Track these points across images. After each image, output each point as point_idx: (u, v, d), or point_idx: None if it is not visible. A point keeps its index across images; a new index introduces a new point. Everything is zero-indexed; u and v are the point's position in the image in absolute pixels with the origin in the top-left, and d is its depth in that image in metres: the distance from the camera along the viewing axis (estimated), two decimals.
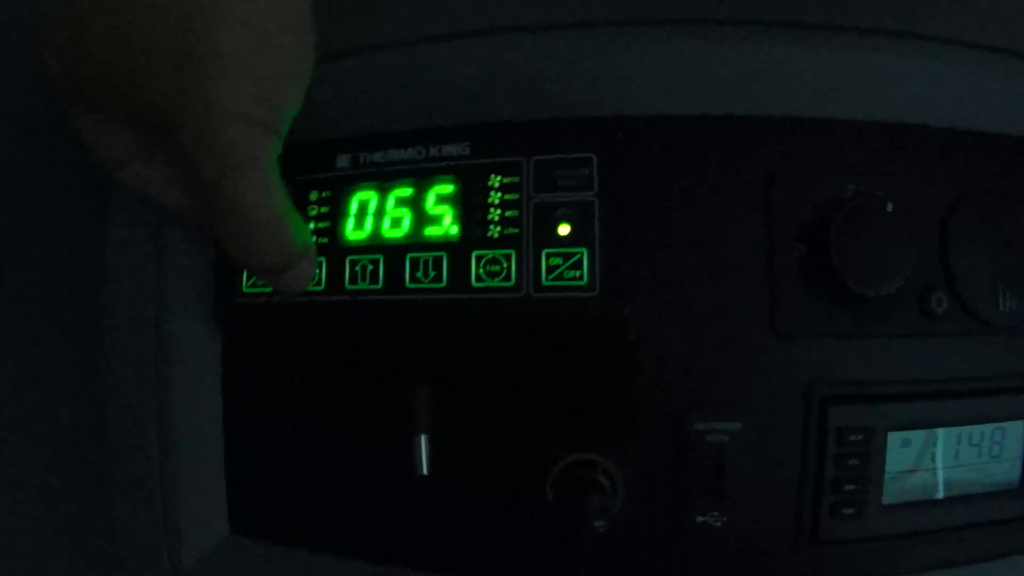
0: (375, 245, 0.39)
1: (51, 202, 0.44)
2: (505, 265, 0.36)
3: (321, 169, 0.41)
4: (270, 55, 0.26)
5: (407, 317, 0.38)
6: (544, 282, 0.36)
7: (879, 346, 0.38)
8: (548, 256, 0.36)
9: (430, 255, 0.38)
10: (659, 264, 0.38)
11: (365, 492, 0.42)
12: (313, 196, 0.41)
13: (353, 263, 0.39)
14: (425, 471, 0.40)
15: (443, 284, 0.37)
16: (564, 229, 0.36)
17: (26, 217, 0.42)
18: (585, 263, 0.36)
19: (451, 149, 0.39)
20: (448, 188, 0.38)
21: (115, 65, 0.25)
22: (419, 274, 0.38)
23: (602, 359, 0.37)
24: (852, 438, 0.37)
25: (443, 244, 0.38)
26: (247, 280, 0.41)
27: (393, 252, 0.38)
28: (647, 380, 0.38)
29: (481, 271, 0.37)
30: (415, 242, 0.38)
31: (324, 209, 0.40)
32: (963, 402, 0.38)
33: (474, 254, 0.37)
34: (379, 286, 0.38)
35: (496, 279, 0.36)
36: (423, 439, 0.40)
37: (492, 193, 0.37)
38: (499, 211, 0.37)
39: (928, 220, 0.39)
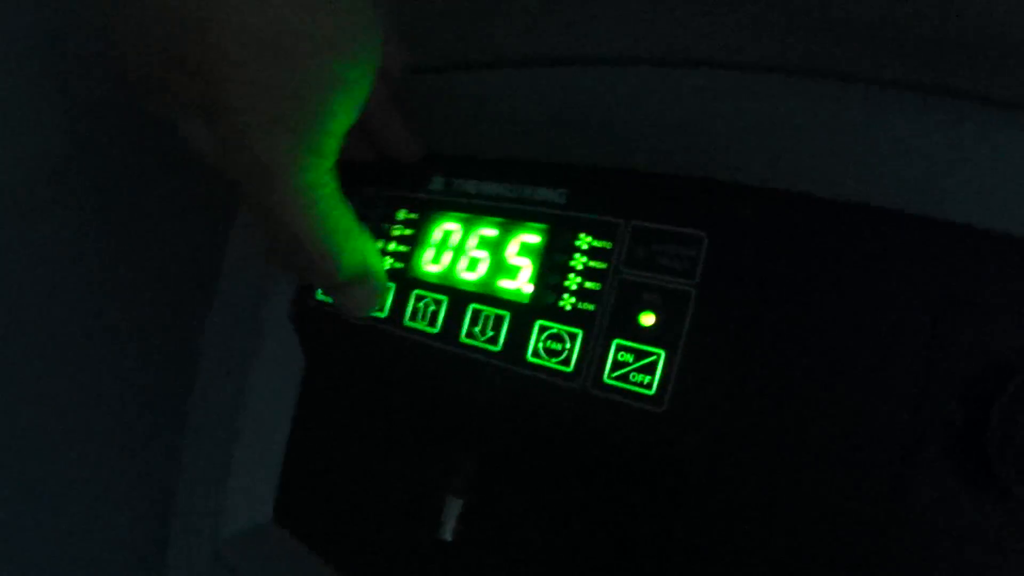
0: (445, 285, 0.35)
1: (171, 199, 0.47)
2: (568, 346, 0.31)
3: (414, 187, 0.38)
4: (286, 64, 0.23)
5: (454, 375, 0.34)
6: (605, 379, 0.29)
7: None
8: (618, 349, 0.30)
9: (493, 312, 0.33)
10: (756, 388, 0.29)
11: (388, 533, 0.39)
12: (400, 216, 0.38)
13: (418, 298, 0.36)
14: (448, 537, 0.36)
15: (498, 348, 0.32)
16: (648, 319, 0.29)
17: (149, 212, 0.45)
18: (660, 369, 0.29)
19: (546, 194, 0.33)
20: (534, 237, 0.33)
21: (146, 69, 0.25)
22: (476, 329, 0.33)
23: (658, 491, 0.30)
24: None
25: (510, 303, 0.33)
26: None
27: (459, 297, 0.34)
28: (713, 533, 0.30)
29: (540, 345, 0.31)
30: (485, 292, 0.34)
31: (408, 232, 0.37)
32: None
33: (537, 323, 0.32)
34: (435, 331, 0.34)
35: (554, 360, 0.31)
36: (455, 504, 0.36)
37: (577, 256, 0.32)
38: (579, 279, 0.31)
39: None
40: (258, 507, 0.45)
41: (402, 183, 0.38)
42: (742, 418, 0.29)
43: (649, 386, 0.29)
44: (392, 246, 0.38)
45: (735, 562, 0.30)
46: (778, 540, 0.30)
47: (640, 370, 0.29)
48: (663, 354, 0.29)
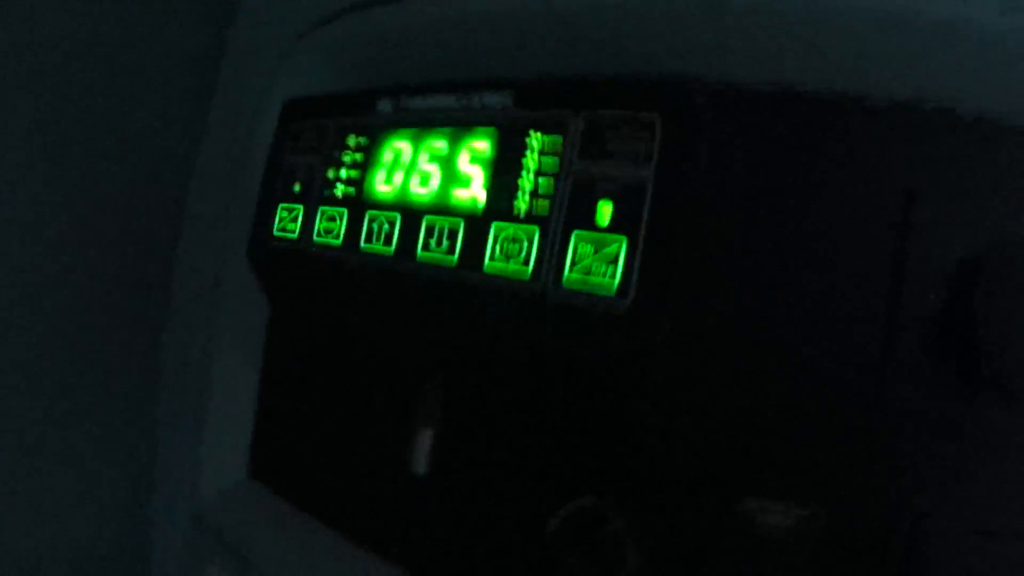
0: (398, 204, 0.34)
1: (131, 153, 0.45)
2: (525, 247, 0.29)
3: (361, 112, 0.36)
4: None
5: (414, 295, 0.32)
6: (566, 276, 0.28)
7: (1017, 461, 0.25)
8: (578, 241, 0.28)
9: (447, 222, 0.31)
10: (726, 278, 0.28)
11: (364, 475, 0.38)
12: (351, 141, 0.36)
13: (371, 220, 0.34)
14: (422, 470, 0.35)
15: (454, 260, 0.31)
16: (605, 210, 0.28)
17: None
18: (622, 258, 0.27)
19: (492, 99, 0.32)
20: (484, 144, 0.32)
21: None
22: (432, 242, 0.32)
23: (625, 391, 0.29)
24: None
25: (465, 212, 0.31)
26: (278, 223, 0.38)
27: (412, 214, 0.33)
28: (684, 429, 0.28)
29: (498, 249, 0.30)
30: (439, 205, 0.32)
31: (359, 156, 0.36)
32: None
33: (493, 227, 0.30)
34: (391, 251, 0.33)
35: (512, 262, 0.29)
36: (426, 435, 0.35)
37: (529, 155, 0.30)
38: (532, 178, 0.30)
39: None
40: (233, 465, 0.44)
41: (351, 110, 0.37)
42: (710, 311, 0.28)
43: (612, 277, 0.27)
44: (344, 172, 0.36)
45: (706, 459, 0.29)
46: (754, 438, 0.29)
47: (602, 261, 0.27)
48: (624, 242, 0.27)
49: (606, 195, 0.28)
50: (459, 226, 0.31)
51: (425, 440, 0.35)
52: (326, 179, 0.37)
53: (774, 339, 0.27)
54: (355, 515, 0.39)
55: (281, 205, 0.38)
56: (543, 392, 0.32)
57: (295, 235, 0.37)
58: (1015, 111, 0.25)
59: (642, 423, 0.30)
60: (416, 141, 0.34)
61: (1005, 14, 0.24)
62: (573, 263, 0.28)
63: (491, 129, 0.32)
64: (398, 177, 0.34)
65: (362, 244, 0.34)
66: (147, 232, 0.47)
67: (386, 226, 0.33)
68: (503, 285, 0.29)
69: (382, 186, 0.34)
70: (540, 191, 0.29)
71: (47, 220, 0.42)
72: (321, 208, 0.36)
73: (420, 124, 0.34)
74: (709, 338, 0.28)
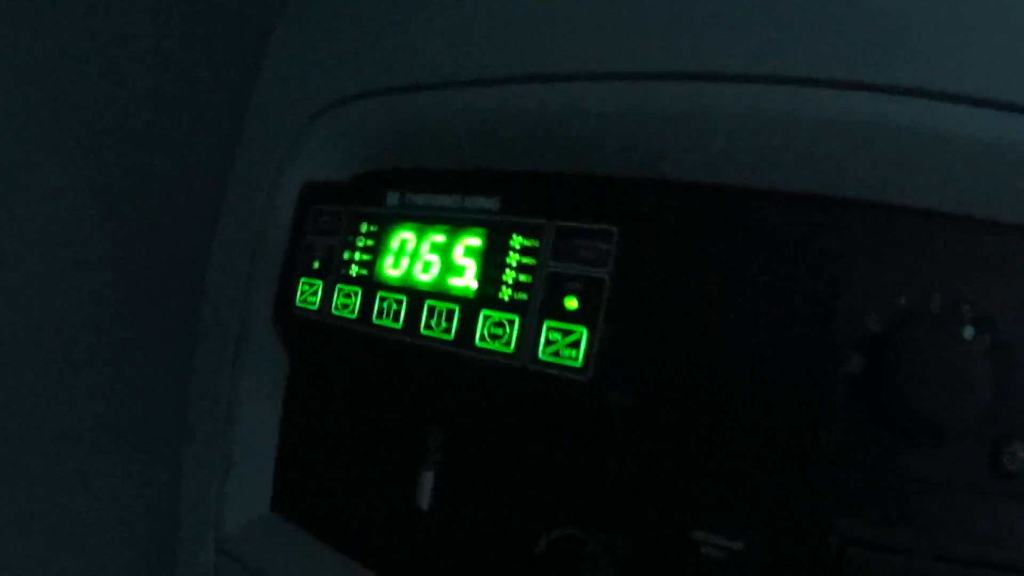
0: (404, 286, 0.41)
1: (164, 200, 0.52)
2: (508, 330, 0.36)
3: (374, 203, 0.43)
4: None
5: (418, 363, 0.39)
6: (540, 356, 0.35)
7: (929, 495, 0.32)
8: (548, 329, 0.35)
9: (445, 306, 0.38)
10: (672, 356, 0.35)
11: (377, 511, 0.45)
12: (363, 228, 0.43)
13: (382, 299, 0.41)
14: (425, 506, 0.41)
15: (451, 337, 0.38)
16: (572, 303, 0.35)
17: (138, 217, 0.50)
18: (583, 343, 0.34)
19: (483, 202, 0.39)
20: (476, 240, 0.39)
21: None
22: (433, 322, 0.39)
23: (594, 445, 0.36)
24: None
25: (459, 297, 0.38)
26: (300, 295, 0.45)
27: (417, 296, 0.40)
28: (645, 472, 0.35)
29: (486, 332, 0.37)
30: (438, 290, 0.39)
31: (370, 242, 0.43)
32: None
33: (482, 313, 0.37)
34: (399, 327, 0.40)
35: (498, 343, 0.36)
36: (428, 476, 0.41)
37: (512, 254, 0.37)
38: (514, 273, 0.37)
39: None
40: (256, 499, 0.51)
41: (363, 200, 0.44)
42: (659, 380, 0.35)
43: (576, 359, 0.34)
44: (358, 255, 0.43)
45: (663, 498, 0.35)
46: (701, 483, 0.35)
47: (568, 346, 0.34)
48: (585, 331, 0.34)
49: (572, 291, 0.35)
50: (456, 309, 0.38)
51: (427, 480, 0.41)
52: (342, 259, 0.44)
53: (719, 402, 0.33)
54: (365, 544, 0.46)
55: (303, 279, 0.45)
56: (528, 443, 0.39)
57: (316, 307, 0.44)
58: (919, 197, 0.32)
59: (610, 468, 0.37)
60: (420, 233, 0.41)
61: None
62: (547, 344, 0.35)
63: (482, 229, 0.39)
64: (404, 263, 0.41)
65: (374, 319, 0.41)
66: (174, 295, 0.53)
67: (395, 305, 0.40)
68: (491, 359, 0.36)
69: (391, 270, 0.41)
70: (520, 284, 0.36)
71: (80, 283, 0.48)
72: (339, 285, 0.43)
73: (423, 219, 0.41)
74: (660, 401, 0.35)
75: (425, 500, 0.41)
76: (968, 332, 0.31)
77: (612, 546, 0.37)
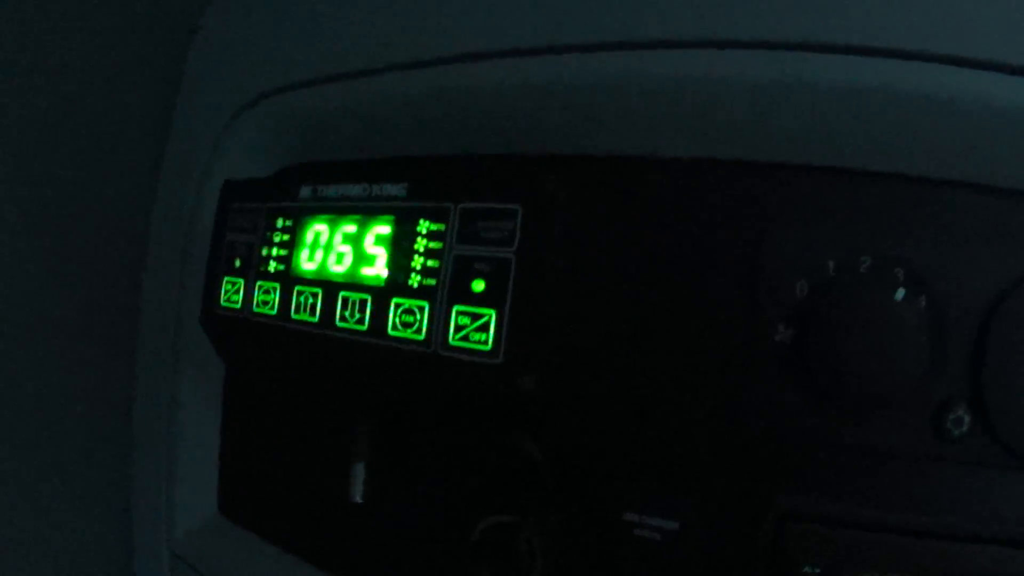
0: (319, 279, 0.40)
1: (101, 204, 0.51)
2: (419, 317, 0.36)
3: (288, 198, 0.42)
4: None
5: (337, 356, 0.38)
6: (451, 341, 0.34)
7: (869, 465, 0.31)
8: (458, 314, 0.34)
9: (358, 296, 0.38)
10: (587, 334, 0.34)
11: (314, 507, 0.44)
12: (279, 223, 0.43)
13: (299, 293, 0.40)
14: (359, 498, 0.41)
15: (365, 328, 0.37)
16: (478, 286, 0.34)
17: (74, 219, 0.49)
18: (492, 326, 0.34)
19: (391, 189, 0.38)
20: (385, 228, 0.38)
21: None
22: (347, 313, 0.38)
23: (508, 429, 0.36)
24: (807, 570, 0.30)
25: (371, 287, 0.37)
26: (224, 295, 0.44)
27: (331, 288, 0.39)
28: (569, 456, 0.35)
29: (397, 320, 0.36)
30: (351, 281, 0.38)
31: (286, 237, 0.42)
32: (969, 549, 0.29)
33: (393, 301, 0.37)
34: (316, 320, 0.39)
35: (409, 330, 0.36)
36: (359, 469, 0.41)
37: (419, 239, 0.36)
38: (423, 259, 0.36)
39: (964, 314, 0.28)
40: (204, 502, 0.50)
41: (278, 195, 0.43)
42: (574, 360, 0.34)
43: (486, 343, 0.34)
44: (275, 251, 0.42)
45: (590, 480, 0.35)
46: (629, 463, 0.35)
47: (477, 329, 0.34)
48: (493, 314, 0.34)
49: (479, 274, 0.34)
50: (368, 299, 0.37)
51: (359, 473, 0.41)
52: (261, 256, 0.43)
53: (640, 380, 0.32)
54: (306, 540, 0.45)
55: (225, 278, 0.45)
56: (453, 431, 0.39)
57: (239, 306, 0.43)
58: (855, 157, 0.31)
59: (533, 452, 0.37)
60: (332, 224, 0.40)
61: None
62: (456, 329, 0.34)
63: (390, 216, 0.38)
64: (319, 255, 0.40)
65: (292, 314, 0.40)
66: (110, 296, 0.53)
67: (311, 299, 0.40)
68: (403, 347, 0.36)
69: (306, 263, 0.41)
70: (428, 269, 0.36)
71: (16, 276, 0.47)
72: (258, 282, 0.42)
73: (335, 210, 0.40)
74: (577, 382, 0.34)
75: (358, 493, 0.41)
76: (900, 294, 0.28)
77: (546, 530, 0.36)
